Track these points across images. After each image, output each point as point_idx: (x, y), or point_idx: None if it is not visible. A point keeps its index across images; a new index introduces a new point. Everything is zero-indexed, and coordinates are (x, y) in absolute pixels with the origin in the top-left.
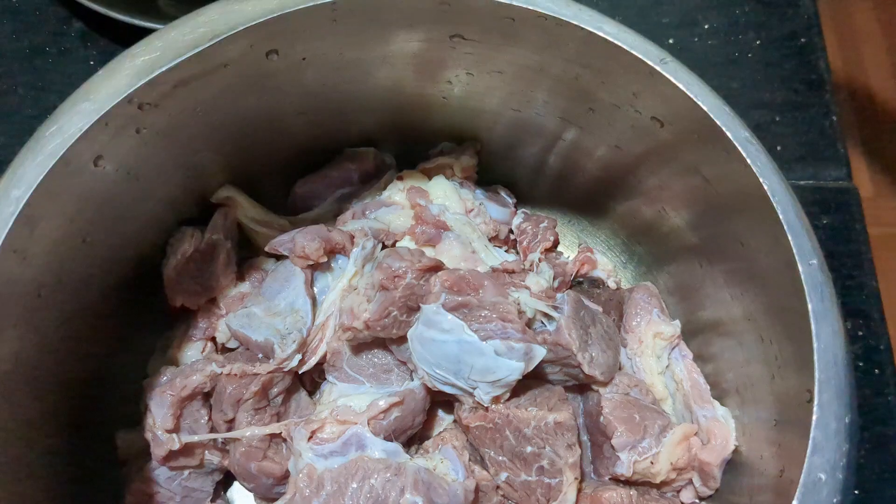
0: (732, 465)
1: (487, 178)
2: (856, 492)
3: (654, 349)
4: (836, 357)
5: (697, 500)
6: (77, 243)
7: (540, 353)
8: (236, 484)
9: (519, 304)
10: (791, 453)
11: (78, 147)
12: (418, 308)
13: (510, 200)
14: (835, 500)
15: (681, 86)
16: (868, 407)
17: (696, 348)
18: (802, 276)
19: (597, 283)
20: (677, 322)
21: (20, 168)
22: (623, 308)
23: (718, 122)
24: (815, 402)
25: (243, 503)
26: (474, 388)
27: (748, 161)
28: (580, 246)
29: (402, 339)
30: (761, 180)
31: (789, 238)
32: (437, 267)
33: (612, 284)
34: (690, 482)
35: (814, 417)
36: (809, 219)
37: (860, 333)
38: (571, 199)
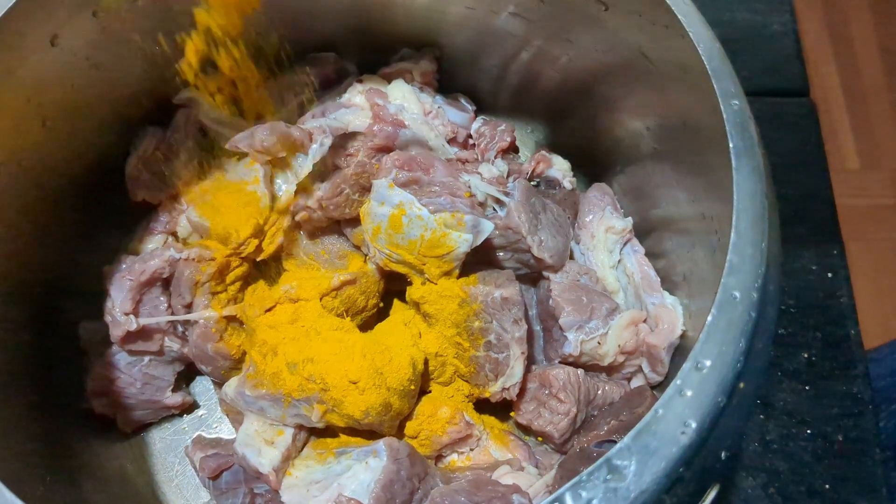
0: (681, 351)
1: (449, 88)
2: (806, 388)
3: (605, 243)
4: (754, 189)
5: (647, 386)
6: (36, 126)
7: (488, 227)
8: (199, 380)
9: (469, 186)
10: None
11: (30, 17)
12: (370, 187)
13: (470, 107)
14: (752, 315)
15: None
16: (820, 309)
17: (648, 246)
18: (724, 115)
19: (553, 183)
20: (629, 218)
21: None
22: (577, 207)
23: None
24: (733, 227)
25: (205, 398)
26: (424, 265)
27: (674, 10)
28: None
29: (356, 221)
30: (688, 29)
31: (712, 82)
32: (388, 147)
33: (567, 185)
34: (640, 370)
35: (731, 242)
36: (768, 133)
37: (815, 239)
38: (531, 108)
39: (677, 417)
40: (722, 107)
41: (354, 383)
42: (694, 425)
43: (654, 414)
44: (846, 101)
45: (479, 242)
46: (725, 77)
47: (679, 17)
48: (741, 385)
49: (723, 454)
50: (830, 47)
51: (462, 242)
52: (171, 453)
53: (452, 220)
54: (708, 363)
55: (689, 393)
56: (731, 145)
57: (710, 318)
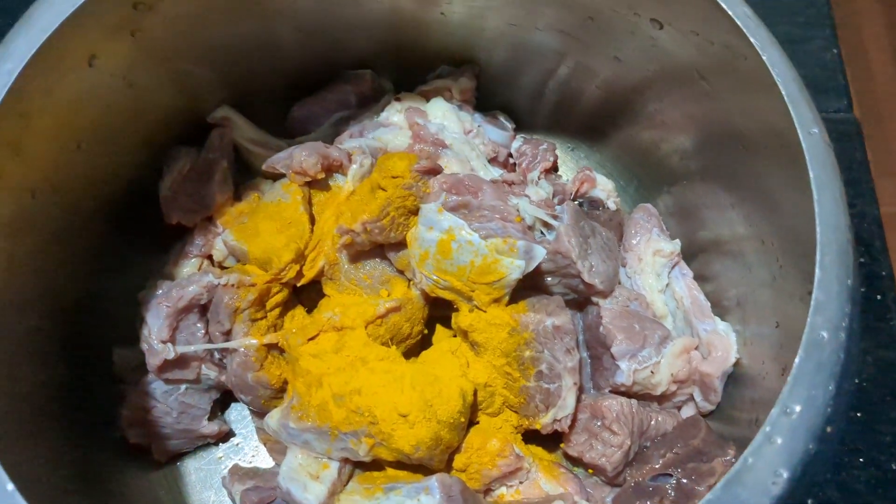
0: (734, 379)
1: (487, 105)
2: (858, 414)
3: (653, 267)
4: (837, 222)
5: (699, 415)
6: (72, 147)
7: (540, 252)
8: (234, 406)
9: (518, 210)
10: (792, 352)
11: (71, 38)
12: (416, 210)
13: (509, 125)
14: (840, 356)
15: None
16: (871, 332)
17: (696, 268)
18: (803, 144)
19: (596, 203)
20: (677, 240)
21: (12, 43)
22: (623, 228)
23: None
24: (817, 263)
25: (241, 425)
26: (473, 291)
27: (746, 34)
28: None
29: (400, 246)
30: (760, 52)
31: (789, 108)
32: (435, 170)
33: (611, 205)
34: (691, 398)
35: (816, 279)
36: None
37: (862, 261)
38: (571, 125)
39: (768, 466)
40: (800, 135)
41: (404, 416)
42: (785, 475)
43: (743, 463)
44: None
45: (531, 269)
46: (802, 103)
47: (750, 38)
48: (829, 429)
49: (810, 502)
50: (873, 62)
51: (514, 269)
52: (206, 483)
53: (504, 245)
54: (798, 408)
55: (779, 440)
56: (811, 175)
57: (797, 360)
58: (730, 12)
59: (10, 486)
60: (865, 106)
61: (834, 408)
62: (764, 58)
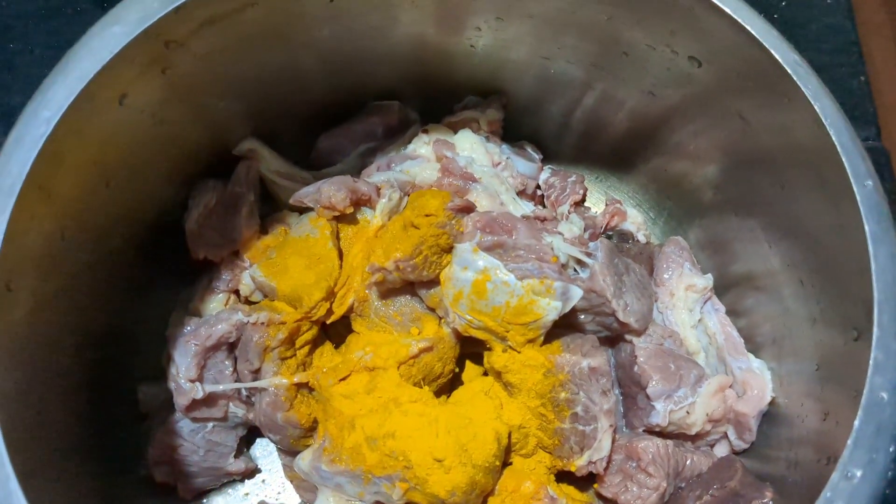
0: (769, 417)
1: (513, 134)
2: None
3: (686, 302)
4: (894, 279)
5: (732, 454)
6: (101, 187)
7: (577, 293)
8: (258, 441)
9: (553, 248)
10: (836, 396)
11: (104, 79)
12: (449, 249)
13: (537, 156)
14: None
15: (727, 9)
16: None
17: (728, 303)
18: (858, 198)
19: (626, 236)
20: (709, 275)
21: (49, 90)
22: (653, 262)
23: (766, 45)
24: (875, 322)
25: (266, 461)
26: (507, 332)
27: (798, 83)
28: (608, 200)
29: (432, 283)
30: (813, 103)
31: (843, 160)
32: (468, 208)
33: (641, 238)
34: (725, 436)
35: (874, 337)
36: None
37: None
38: (599, 155)
39: None
40: (855, 189)
41: (440, 461)
42: None
43: None
44: None
45: (567, 309)
46: (857, 156)
47: (800, 85)
48: (887, 492)
49: None
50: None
51: (551, 310)
52: None
53: (541, 286)
54: (859, 473)
55: None
56: (867, 230)
57: (857, 422)
58: (779, 59)
59: None
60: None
61: (894, 471)
62: (816, 107)
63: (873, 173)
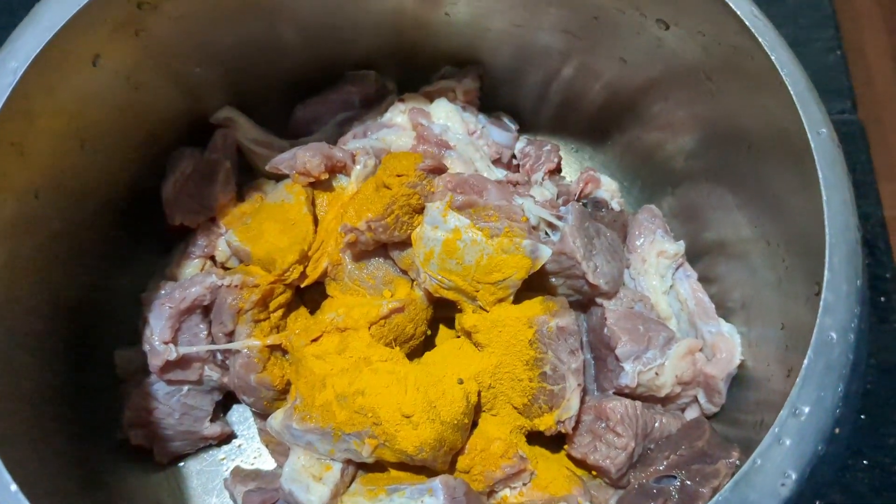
0: (739, 381)
1: (491, 105)
2: (862, 416)
3: (657, 268)
4: (846, 222)
5: (703, 417)
6: (76, 147)
7: (546, 252)
8: (235, 407)
9: (523, 210)
10: (799, 354)
11: (75, 35)
12: (421, 210)
13: (513, 126)
14: (849, 357)
15: None
16: (874, 334)
17: (700, 270)
18: (812, 144)
19: (600, 204)
20: (681, 242)
21: (17, 41)
22: (627, 229)
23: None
24: (826, 264)
25: (242, 426)
26: (477, 291)
27: (755, 33)
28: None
29: (404, 245)
30: (770, 54)
31: (798, 109)
32: (440, 168)
33: (615, 206)
34: (695, 399)
35: (825, 280)
36: None
37: (866, 262)
38: (575, 126)
39: (776, 468)
40: (809, 135)
41: (408, 417)
42: (794, 476)
43: (751, 464)
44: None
45: (537, 268)
46: (811, 103)
47: (759, 38)
48: (837, 430)
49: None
50: (873, 64)
51: (519, 269)
52: (208, 485)
53: (510, 245)
54: (807, 409)
55: (787, 442)
56: (820, 176)
57: (806, 361)
58: (738, 12)
59: (14, 487)
60: (866, 109)
61: (842, 409)
62: (773, 58)
63: (828, 123)
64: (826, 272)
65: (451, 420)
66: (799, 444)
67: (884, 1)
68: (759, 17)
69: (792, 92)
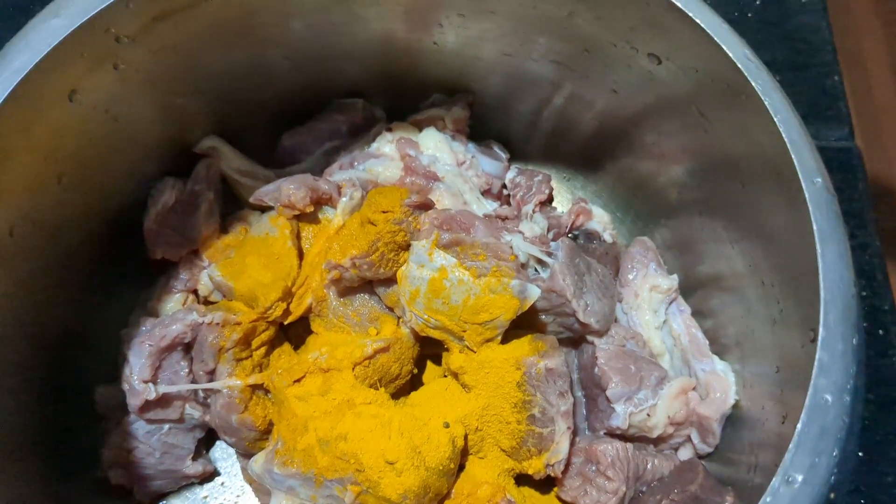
0: (733, 420)
1: (481, 134)
2: (860, 454)
3: (650, 303)
4: (841, 277)
5: (696, 458)
6: (52, 183)
7: (534, 292)
8: (218, 444)
9: (511, 247)
10: (794, 399)
11: (49, 74)
12: (407, 246)
13: (503, 155)
14: (845, 420)
15: (680, 5)
16: (872, 368)
17: (694, 304)
18: (807, 196)
19: (592, 236)
20: (675, 276)
21: None
22: (619, 262)
23: (717, 39)
24: (821, 322)
25: (226, 464)
26: (464, 331)
27: (748, 79)
28: (574, 199)
29: (390, 282)
30: (763, 98)
31: (792, 157)
32: (426, 205)
33: (608, 238)
34: (689, 439)
35: (819, 338)
36: None
37: (864, 294)
38: (566, 155)
39: None
40: (804, 185)
41: (391, 464)
42: None
43: None
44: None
45: (525, 309)
46: (806, 151)
47: (750, 81)
48: (832, 496)
49: None
50: (871, 76)
51: (507, 309)
52: None
53: (498, 284)
54: (800, 478)
55: None
56: (815, 228)
57: (799, 425)
58: (730, 54)
59: None
60: (864, 121)
61: (837, 475)
62: (766, 102)
63: (823, 171)
64: (821, 330)
65: (436, 466)
66: None
67: (881, 11)
68: (751, 59)
69: (786, 139)
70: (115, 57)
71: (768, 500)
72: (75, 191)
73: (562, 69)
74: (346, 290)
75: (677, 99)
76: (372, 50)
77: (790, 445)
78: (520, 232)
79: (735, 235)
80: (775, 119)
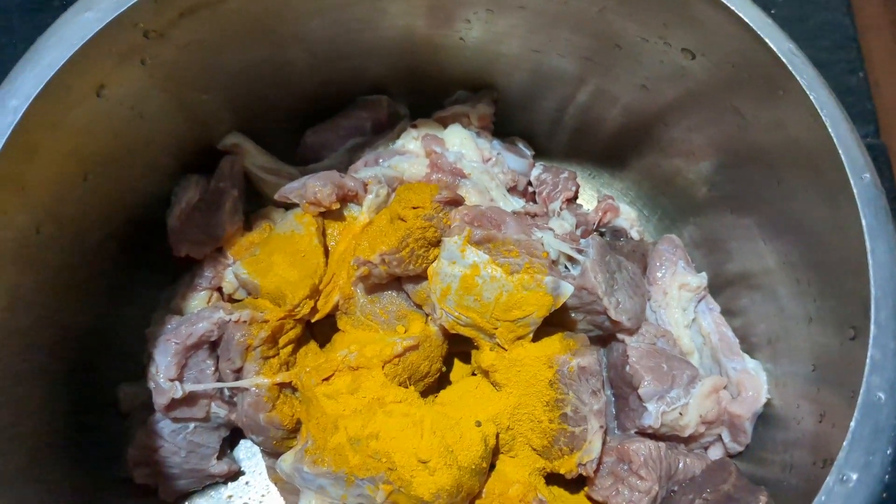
0: (764, 419)
1: (505, 130)
2: None
3: (679, 301)
4: (892, 274)
5: (727, 457)
6: (78, 180)
7: (567, 289)
8: (243, 443)
9: (543, 244)
10: (832, 397)
11: (79, 69)
12: (437, 243)
13: (528, 152)
14: None
15: None
16: None
17: (723, 303)
18: (856, 192)
19: (619, 233)
20: (703, 274)
21: (17, 79)
22: (647, 260)
23: (761, 34)
24: (872, 320)
25: (250, 463)
26: (495, 329)
27: (793, 73)
28: (600, 197)
29: (419, 278)
30: (809, 93)
31: (840, 153)
32: (456, 201)
33: (635, 235)
34: (719, 438)
35: (871, 336)
36: None
37: None
38: (592, 151)
39: None
40: (852, 181)
41: (424, 463)
42: None
43: None
44: None
45: (558, 306)
46: (854, 148)
47: (795, 75)
48: (884, 496)
49: None
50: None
51: (540, 307)
52: None
53: (531, 282)
54: (854, 476)
55: None
56: (864, 224)
57: (853, 423)
58: (774, 48)
59: None
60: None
61: (892, 474)
62: (812, 97)
63: (871, 166)
64: (872, 327)
65: (469, 465)
66: None
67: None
68: (796, 53)
69: (833, 135)
70: (142, 52)
71: (823, 498)
72: (100, 188)
73: (590, 65)
74: (374, 287)
75: (710, 94)
76: (396, 46)
77: (843, 444)
78: (550, 229)
79: (768, 233)
80: (821, 114)
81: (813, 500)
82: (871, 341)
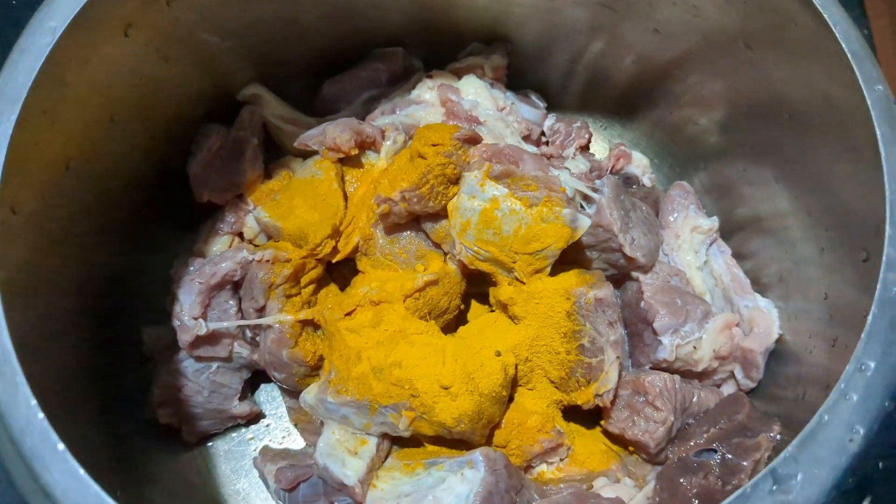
0: (776, 356)
1: (518, 83)
2: None
3: (691, 244)
4: None
5: (740, 392)
6: (106, 120)
7: (585, 222)
8: (263, 387)
9: (560, 181)
10: (845, 321)
11: (109, 4)
12: (456, 180)
13: (541, 104)
14: None
15: None
16: None
17: (734, 247)
18: (869, 102)
19: (632, 180)
20: (715, 217)
21: (55, 2)
22: (659, 206)
23: None
24: (888, 221)
25: (270, 406)
26: (514, 262)
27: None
28: (612, 145)
29: (437, 216)
30: (822, 10)
31: (853, 64)
32: (475, 138)
33: (647, 182)
34: (732, 375)
35: (886, 236)
36: None
37: None
38: (603, 103)
39: (844, 424)
40: (865, 92)
41: (446, 388)
42: (862, 431)
43: (818, 420)
44: None
45: (576, 237)
46: (867, 60)
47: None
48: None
49: (880, 464)
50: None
51: (559, 238)
52: (237, 465)
53: (550, 213)
54: (872, 364)
55: (854, 397)
56: (878, 133)
57: (870, 316)
58: None
59: (61, 446)
60: None
61: None
62: (825, 15)
63: (883, 79)
64: (887, 227)
65: (489, 392)
66: (865, 400)
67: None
68: None
69: (847, 50)
70: None
71: (843, 385)
72: (126, 131)
73: (604, 11)
74: (393, 227)
75: (723, 34)
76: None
77: (862, 335)
78: (566, 168)
79: (780, 173)
80: (835, 31)
81: (808, 406)
82: (886, 240)
